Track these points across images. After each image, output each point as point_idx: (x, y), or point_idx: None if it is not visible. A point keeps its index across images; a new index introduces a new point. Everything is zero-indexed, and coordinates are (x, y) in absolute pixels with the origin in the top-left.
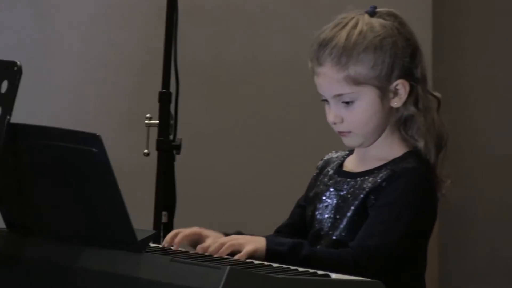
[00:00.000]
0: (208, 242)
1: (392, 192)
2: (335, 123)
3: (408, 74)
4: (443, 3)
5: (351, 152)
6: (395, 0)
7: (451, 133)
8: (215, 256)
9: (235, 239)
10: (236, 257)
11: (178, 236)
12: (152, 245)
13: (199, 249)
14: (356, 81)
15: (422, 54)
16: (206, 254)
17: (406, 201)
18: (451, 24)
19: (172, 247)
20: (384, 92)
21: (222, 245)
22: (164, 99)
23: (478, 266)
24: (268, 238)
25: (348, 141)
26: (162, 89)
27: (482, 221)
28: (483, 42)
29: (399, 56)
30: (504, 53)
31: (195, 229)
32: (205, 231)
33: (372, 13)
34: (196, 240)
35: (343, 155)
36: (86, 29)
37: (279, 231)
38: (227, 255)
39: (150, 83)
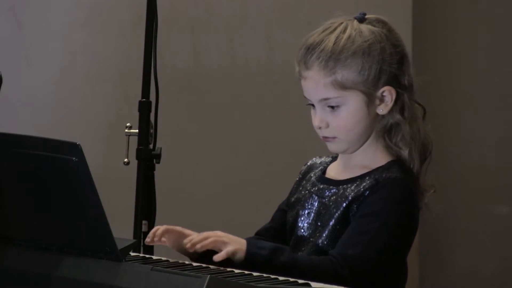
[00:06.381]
0: (193, 236)
1: (374, 202)
2: (320, 128)
3: (395, 81)
4: (423, 12)
5: (334, 158)
6: (374, 8)
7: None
8: (197, 246)
9: (219, 236)
10: (215, 257)
11: (160, 229)
12: (132, 254)
13: (187, 241)
14: (342, 86)
15: (410, 63)
16: (187, 262)
17: (388, 211)
18: (431, 33)
19: (152, 256)
20: (371, 98)
21: (206, 238)
22: (144, 108)
23: (459, 277)
24: (249, 241)
25: (332, 147)
26: (142, 98)
27: (464, 232)
28: (464, 51)
29: (386, 63)
30: (485, 61)
31: (177, 227)
32: (187, 231)
33: (361, 19)
34: (177, 239)
35: (326, 161)
36: (66, 39)
37: (259, 234)
38: (208, 250)
39: (130, 92)
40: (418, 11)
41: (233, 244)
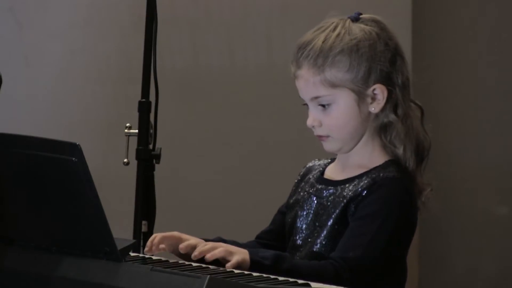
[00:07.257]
0: (192, 241)
1: (372, 203)
2: (313, 126)
3: (387, 79)
4: (423, 12)
5: (333, 160)
6: (373, 9)
7: (432, 142)
8: (206, 256)
9: (225, 247)
10: (227, 265)
11: (156, 237)
12: (132, 254)
13: (183, 246)
14: (332, 84)
15: (405, 61)
16: (186, 263)
17: (387, 212)
18: (431, 33)
19: (152, 257)
20: (361, 96)
21: (214, 247)
22: (144, 108)
23: (459, 277)
24: (250, 251)
25: (327, 145)
26: (142, 98)
27: (464, 232)
28: (464, 51)
29: (376, 60)
30: (485, 61)
31: (174, 233)
32: (185, 235)
33: (355, 19)
34: (176, 244)
35: (325, 163)
36: (66, 39)
37: (260, 237)
38: (215, 260)
39: (130, 92)
40: (417, 11)
41: (238, 254)
